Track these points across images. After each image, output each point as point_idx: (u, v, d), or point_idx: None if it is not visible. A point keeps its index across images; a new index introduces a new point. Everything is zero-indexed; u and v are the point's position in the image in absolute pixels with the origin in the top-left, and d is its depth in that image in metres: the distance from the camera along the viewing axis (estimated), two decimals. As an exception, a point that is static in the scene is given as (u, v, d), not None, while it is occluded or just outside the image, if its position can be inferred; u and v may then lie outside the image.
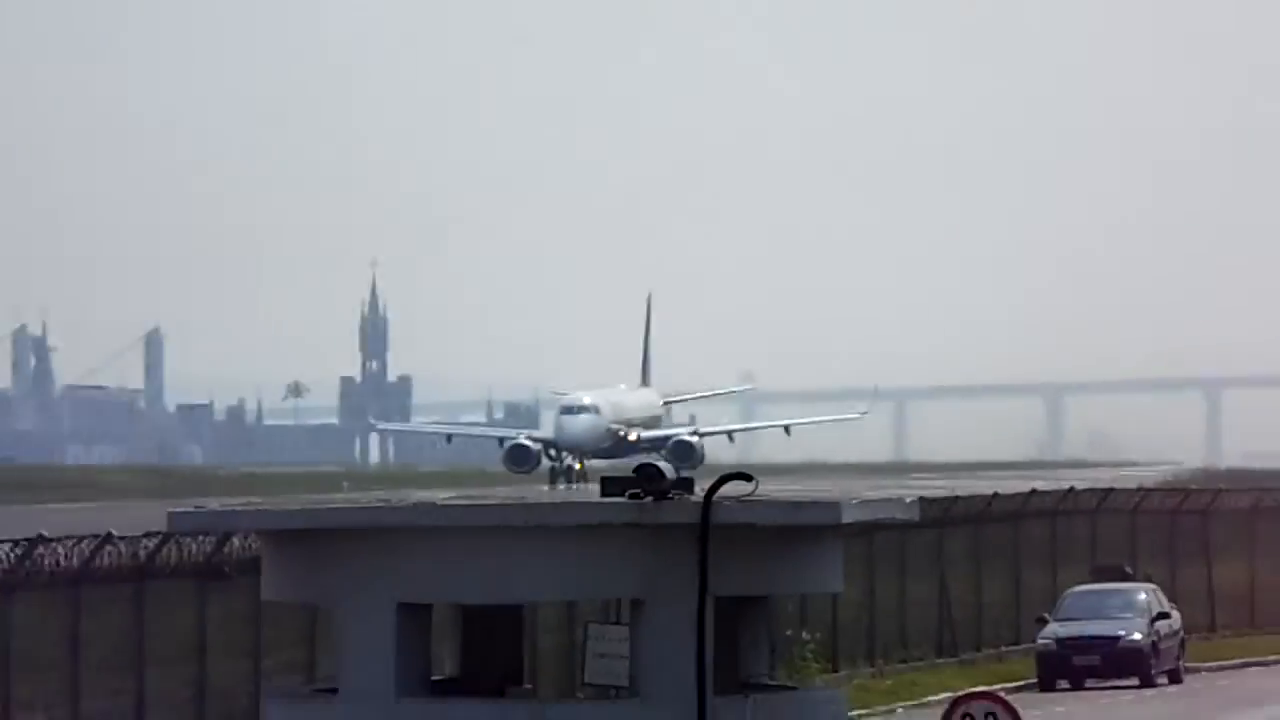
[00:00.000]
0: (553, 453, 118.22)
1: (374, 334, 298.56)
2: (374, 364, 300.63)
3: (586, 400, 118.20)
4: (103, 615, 32.23)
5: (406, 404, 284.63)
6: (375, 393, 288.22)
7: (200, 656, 32.43)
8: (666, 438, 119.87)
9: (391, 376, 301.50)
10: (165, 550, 32.10)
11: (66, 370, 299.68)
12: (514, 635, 8.87)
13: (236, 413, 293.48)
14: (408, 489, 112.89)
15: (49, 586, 31.23)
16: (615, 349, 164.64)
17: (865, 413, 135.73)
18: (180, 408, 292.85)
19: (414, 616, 8.47)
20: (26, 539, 30.34)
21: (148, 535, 32.27)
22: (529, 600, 8.90)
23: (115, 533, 31.61)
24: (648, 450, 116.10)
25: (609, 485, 9.06)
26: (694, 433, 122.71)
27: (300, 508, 9.33)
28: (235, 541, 31.71)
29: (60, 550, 31.39)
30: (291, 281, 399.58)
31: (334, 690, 8.70)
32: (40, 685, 30.36)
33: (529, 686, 9.57)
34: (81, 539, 32.17)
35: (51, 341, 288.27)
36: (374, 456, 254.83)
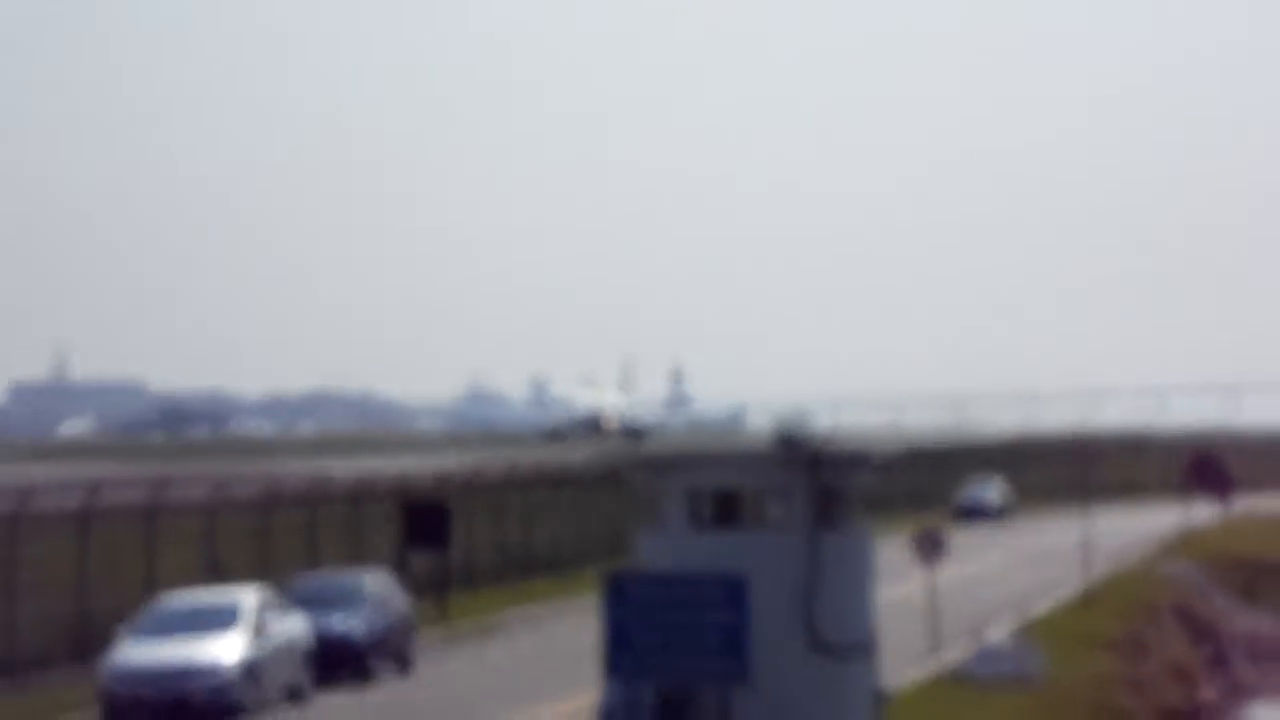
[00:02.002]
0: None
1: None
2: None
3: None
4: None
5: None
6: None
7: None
8: (630, 426, 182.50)
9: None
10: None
11: None
12: (735, 501, 18.95)
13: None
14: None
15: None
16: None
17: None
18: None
19: (694, 495, 18.64)
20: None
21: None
22: (739, 488, 19.10)
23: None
24: (620, 429, 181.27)
25: (777, 441, 18.84)
26: (641, 423, 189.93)
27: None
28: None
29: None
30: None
31: (663, 526, 18.70)
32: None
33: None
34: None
35: None
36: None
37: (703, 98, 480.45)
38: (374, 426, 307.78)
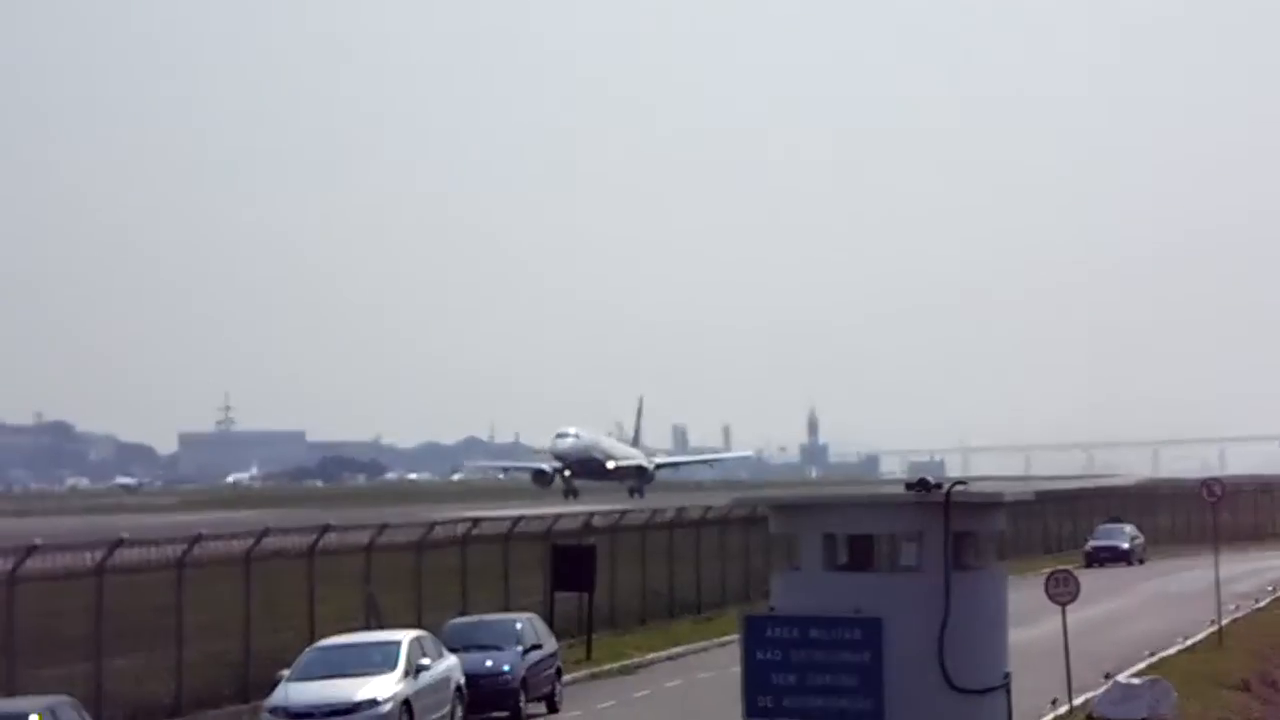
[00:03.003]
0: (566, 475, 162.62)
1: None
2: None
3: (571, 430, 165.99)
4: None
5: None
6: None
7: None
8: (632, 466, 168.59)
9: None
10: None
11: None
12: (869, 544, 18.77)
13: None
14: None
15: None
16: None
17: (759, 453, 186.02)
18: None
19: (829, 539, 18.55)
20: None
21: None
22: (874, 532, 18.92)
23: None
24: (622, 472, 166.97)
25: (909, 486, 18.63)
26: (653, 463, 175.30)
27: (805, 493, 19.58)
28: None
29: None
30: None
31: (798, 568, 18.61)
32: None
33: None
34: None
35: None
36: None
37: (840, 154, 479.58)
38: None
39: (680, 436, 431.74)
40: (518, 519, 52.72)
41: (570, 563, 48.69)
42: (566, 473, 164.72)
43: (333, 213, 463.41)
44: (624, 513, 61.68)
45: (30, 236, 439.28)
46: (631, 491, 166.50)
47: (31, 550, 33.46)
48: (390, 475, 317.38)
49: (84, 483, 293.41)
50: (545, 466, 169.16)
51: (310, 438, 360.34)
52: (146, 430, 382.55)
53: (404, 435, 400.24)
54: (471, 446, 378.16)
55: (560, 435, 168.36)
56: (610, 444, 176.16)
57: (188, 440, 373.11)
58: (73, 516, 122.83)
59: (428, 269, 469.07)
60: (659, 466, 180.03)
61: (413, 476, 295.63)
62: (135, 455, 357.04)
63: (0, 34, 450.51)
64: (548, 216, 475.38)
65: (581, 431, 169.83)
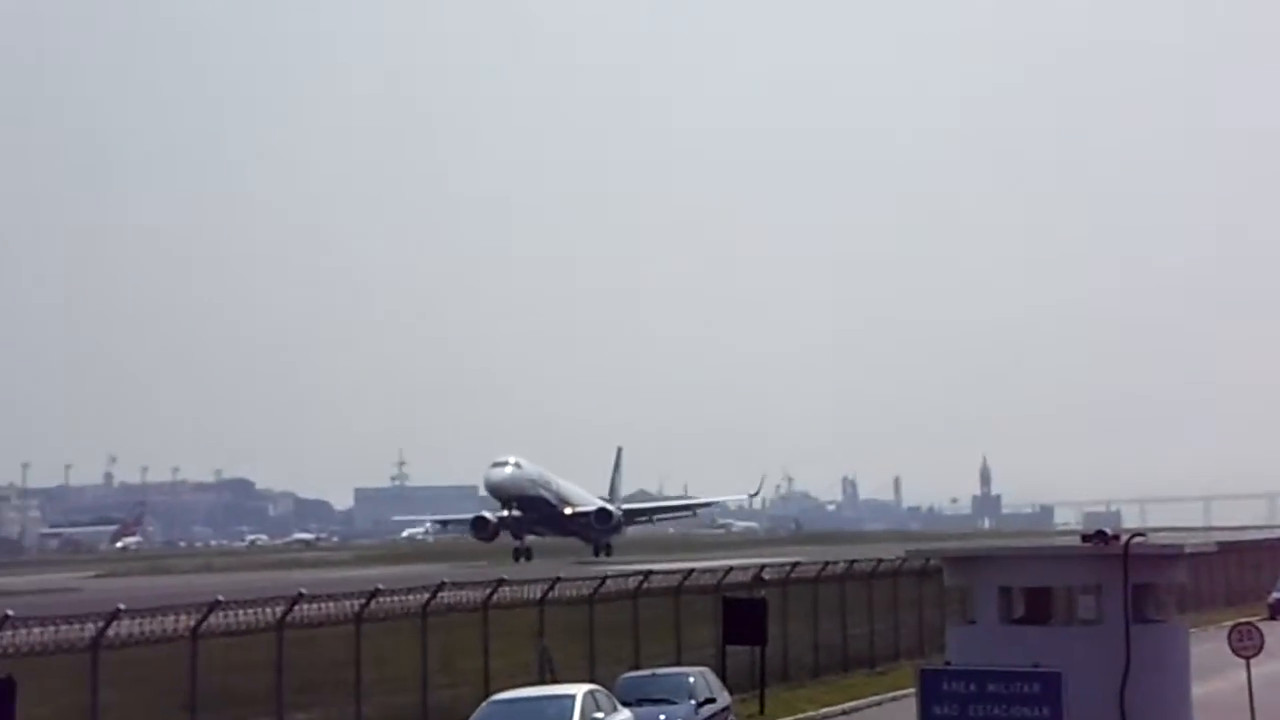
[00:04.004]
0: (511, 519, 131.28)
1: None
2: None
3: (510, 459, 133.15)
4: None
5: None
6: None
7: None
8: (595, 509, 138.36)
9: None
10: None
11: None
12: (1046, 597, 18.49)
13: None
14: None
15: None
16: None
17: (755, 494, 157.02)
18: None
19: (1005, 591, 18.32)
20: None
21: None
22: (1051, 584, 18.63)
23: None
24: (581, 519, 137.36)
25: (1086, 538, 18.38)
26: (619, 509, 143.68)
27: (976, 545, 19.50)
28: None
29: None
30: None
31: (973, 622, 18.40)
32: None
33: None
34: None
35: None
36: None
37: (1011, 206, 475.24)
38: (692, 527, 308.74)
39: (850, 487, 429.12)
40: (689, 572, 52.66)
41: (742, 616, 48.47)
42: (506, 513, 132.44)
43: (497, 281, 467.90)
44: (795, 564, 61.39)
45: (210, 299, 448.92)
46: (597, 549, 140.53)
47: (214, 606, 34.01)
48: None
49: (263, 538, 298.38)
50: (487, 514, 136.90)
51: (483, 492, 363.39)
52: (323, 486, 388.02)
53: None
54: (640, 499, 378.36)
55: (496, 464, 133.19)
56: (565, 485, 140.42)
57: (363, 495, 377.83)
58: (253, 572, 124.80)
59: (585, 331, 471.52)
60: (630, 515, 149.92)
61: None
62: (313, 511, 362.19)
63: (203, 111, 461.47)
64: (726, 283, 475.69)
65: (525, 462, 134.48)
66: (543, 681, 39.76)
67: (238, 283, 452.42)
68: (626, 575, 51.07)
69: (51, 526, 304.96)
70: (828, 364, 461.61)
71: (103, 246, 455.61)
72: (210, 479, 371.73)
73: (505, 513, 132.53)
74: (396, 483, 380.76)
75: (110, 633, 31.41)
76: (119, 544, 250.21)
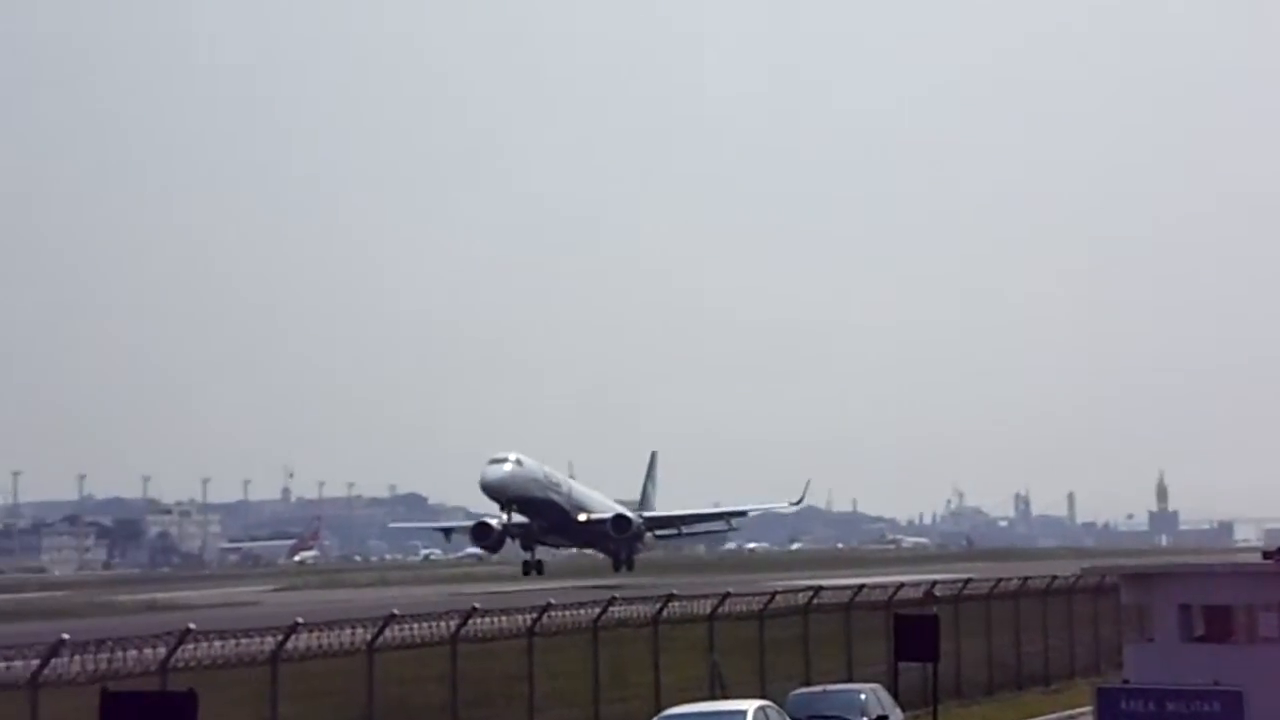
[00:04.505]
0: (512, 525, 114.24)
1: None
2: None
3: (510, 455, 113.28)
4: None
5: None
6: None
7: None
8: (611, 515, 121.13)
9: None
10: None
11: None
12: (1226, 615, 18.17)
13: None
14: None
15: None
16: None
17: (797, 503, 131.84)
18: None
19: (1185, 609, 18.00)
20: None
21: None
22: (1231, 602, 18.27)
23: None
24: (596, 527, 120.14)
25: (1267, 555, 18.05)
26: (640, 516, 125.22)
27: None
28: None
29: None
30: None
31: (1151, 639, 18.13)
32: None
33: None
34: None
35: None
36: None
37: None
38: (861, 543, 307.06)
39: (1023, 504, 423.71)
40: (859, 588, 52.31)
41: (914, 632, 47.95)
42: (508, 516, 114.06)
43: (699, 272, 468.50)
44: (967, 581, 60.75)
45: (387, 316, 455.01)
46: (618, 563, 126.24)
47: (390, 620, 34.36)
48: (729, 545, 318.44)
49: (437, 553, 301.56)
50: (490, 519, 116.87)
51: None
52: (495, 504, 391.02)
53: (741, 504, 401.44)
54: (810, 515, 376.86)
55: (494, 461, 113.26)
56: (578, 488, 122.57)
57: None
58: (427, 586, 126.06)
59: (773, 345, 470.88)
60: (650, 522, 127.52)
61: (751, 546, 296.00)
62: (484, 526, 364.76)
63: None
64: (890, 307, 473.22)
65: (527, 459, 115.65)
66: (713, 697, 39.67)
67: (406, 301, 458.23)
68: (797, 591, 50.86)
69: (231, 541, 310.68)
70: (1000, 380, 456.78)
71: (282, 265, 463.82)
72: (384, 494, 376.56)
73: (508, 519, 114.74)
74: (704, 509, 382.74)
75: (289, 646, 31.86)
76: (296, 558, 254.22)
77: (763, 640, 45.68)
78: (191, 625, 30.61)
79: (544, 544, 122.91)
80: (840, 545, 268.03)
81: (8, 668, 28.03)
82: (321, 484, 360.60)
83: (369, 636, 33.88)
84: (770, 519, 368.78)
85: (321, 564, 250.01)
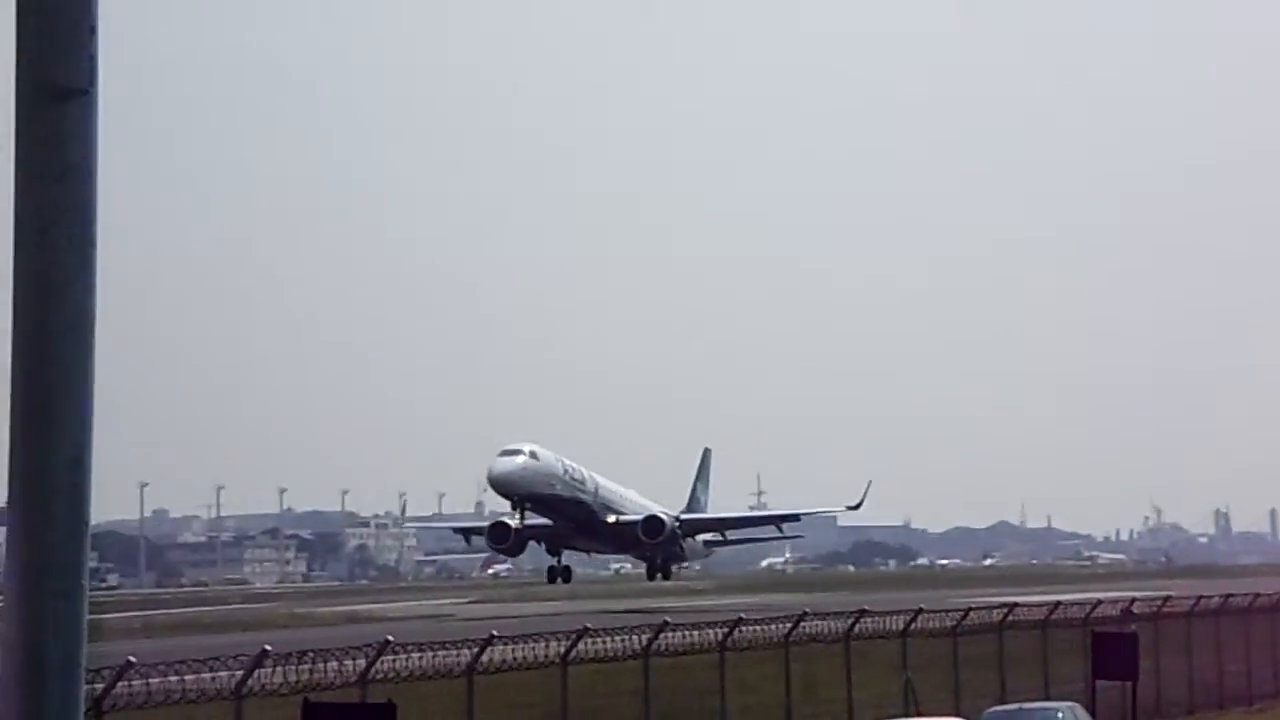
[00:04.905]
0: (524, 522, 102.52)
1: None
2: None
3: (525, 447, 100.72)
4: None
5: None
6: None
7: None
8: (642, 517, 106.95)
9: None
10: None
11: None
12: None
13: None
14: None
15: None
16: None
17: (857, 505, 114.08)
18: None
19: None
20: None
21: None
22: None
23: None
24: (625, 529, 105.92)
25: None
26: (675, 518, 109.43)
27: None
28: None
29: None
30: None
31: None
32: None
33: None
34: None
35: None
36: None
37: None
38: (1056, 559, 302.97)
39: (1223, 520, 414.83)
40: (1055, 605, 51.55)
41: (1112, 650, 47.11)
42: (520, 516, 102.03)
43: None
44: (1166, 598, 59.59)
45: (574, 335, 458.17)
46: (653, 570, 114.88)
47: (583, 633, 34.56)
48: (921, 560, 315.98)
49: (626, 567, 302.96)
50: (508, 519, 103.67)
51: (841, 522, 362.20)
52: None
53: (934, 519, 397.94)
54: (1002, 530, 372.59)
55: (506, 452, 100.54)
56: (608, 485, 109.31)
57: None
58: (616, 600, 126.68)
59: (949, 356, 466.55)
60: (687, 525, 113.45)
61: (944, 562, 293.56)
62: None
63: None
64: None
65: (544, 451, 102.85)
66: (907, 714, 39.33)
67: (614, 318, 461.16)
68: (991, 608, 50.27)
69: (426, 554, 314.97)
70: (1199, 394, 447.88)
71: (471, 281, 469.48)
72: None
73: (520, 519, 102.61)
74: (755, 511, 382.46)
75: (484, 658, 32.18)
76: (490, 571, 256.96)
77: (956, 657, 45.18)
78: (390, 637, 31.04)
79: (571, 548, 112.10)
80: (1034, 562, 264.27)
81: (213, 678, 28.64)
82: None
83: (562, 650, 34.10)
84: (962, 534, 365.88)
85: (515, 577, 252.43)
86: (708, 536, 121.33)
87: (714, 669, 37.78)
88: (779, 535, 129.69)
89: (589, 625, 35.48)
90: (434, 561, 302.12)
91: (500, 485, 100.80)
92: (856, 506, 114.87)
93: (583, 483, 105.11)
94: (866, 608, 44.45)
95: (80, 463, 5.21)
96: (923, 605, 48.01)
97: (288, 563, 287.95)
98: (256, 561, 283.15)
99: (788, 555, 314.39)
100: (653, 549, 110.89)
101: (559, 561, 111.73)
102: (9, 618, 5.23)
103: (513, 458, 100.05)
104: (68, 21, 5.18)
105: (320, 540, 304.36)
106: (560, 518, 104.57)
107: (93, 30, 5.21)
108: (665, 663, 36.51)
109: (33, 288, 5.23)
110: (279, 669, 28.83)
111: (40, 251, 5.23)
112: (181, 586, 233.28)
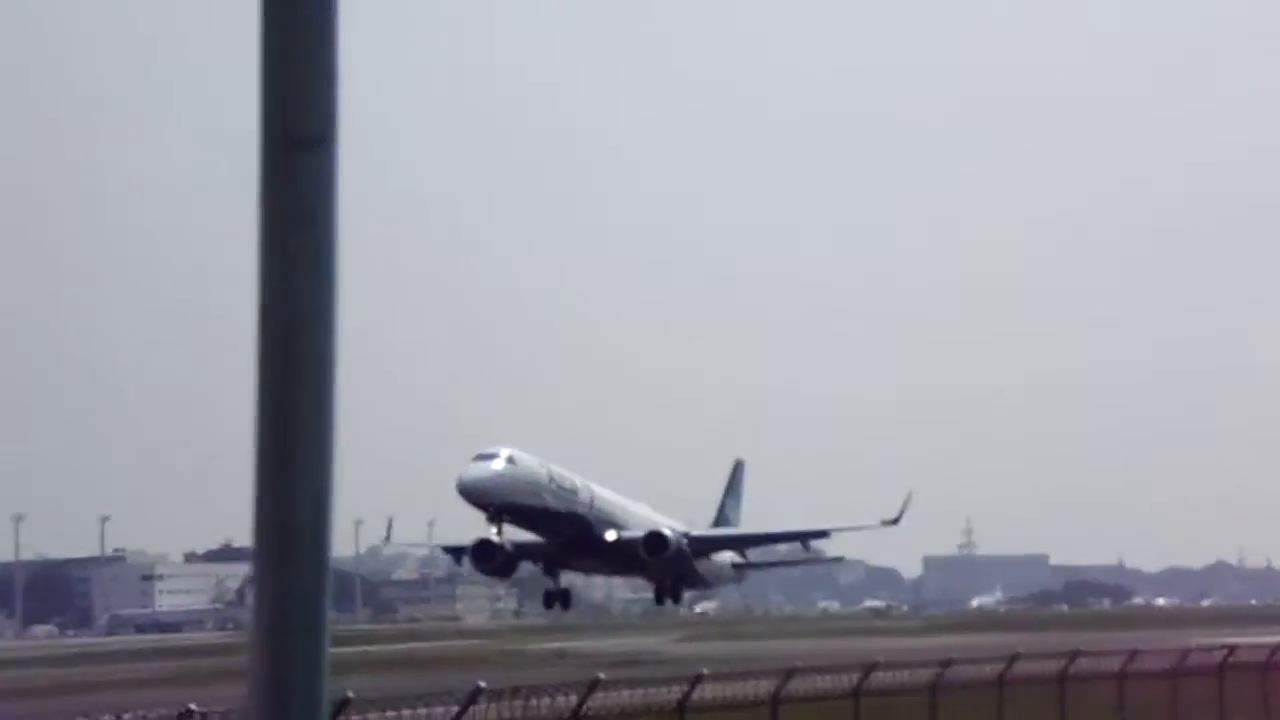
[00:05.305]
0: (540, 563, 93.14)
1: None
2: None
3: (502, 451, 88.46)
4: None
5: None
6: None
7: None
8: (644, 534, 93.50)
9: None
10: None
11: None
12: None
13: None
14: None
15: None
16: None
17: (894, 520, 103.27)
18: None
19: None
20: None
21: None
22: None
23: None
24: (626, 547, 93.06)
25: None
26: (684, 535, 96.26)
27: None
28: None
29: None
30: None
31: None
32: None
33: None
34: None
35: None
36: None
37: None
38: (1278, 599, 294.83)
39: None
40: (1278, 647, 50.17)
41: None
42: (498, 530, 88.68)
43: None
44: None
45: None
46: (661, 593, 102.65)
47: (792, 673, 34.41)
48: (1136, 600, 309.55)
49: (835, 606, 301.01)
50: (494, 537, 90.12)
51: (1053, 561, 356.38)
52: (893, 554, 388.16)
53: (1149, 559, 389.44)
54: (1219, 571, 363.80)
55: (480, 457, 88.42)
56: (607, 496, 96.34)
57: (932, 564, 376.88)
58: (826, 639, 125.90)
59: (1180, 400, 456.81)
60: (698, 543, 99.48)
61: (1160, 601, 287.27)
62: (882, 578, 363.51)
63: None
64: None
65: (525, 456, 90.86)
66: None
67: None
68: (1211, 649, 49.09)
69: (634, 592, 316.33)
70: None
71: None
72: (783, 545, 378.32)
73: (498, 534, 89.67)
74: (964, 551, 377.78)
75: (694, 696, 32.20)
76: (697, 609, 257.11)
77: (1176, 700, 44.17)
78: (601, 675, 31.18)
79: (569, 568, 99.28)
80: (1254, 602, 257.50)
81: (428, 715, 29.01)
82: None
83: (772, 688, 34.00)
84: (1178, 575, 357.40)
85: (722, 615, 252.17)
86: (736, 559, 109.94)
87: (924, 710, 37.39)
88: (821, 559, 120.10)
89: (798, 664, 35.31)
90: (642, 600, 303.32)
91: (471, 493, 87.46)
92: (895, 521, 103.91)
93: (574, 493, 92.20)
94: (1081, 648, 43.66)
95: (322, 501, 5.34)
96: (1138, 647, 47.02)
97: (498, 599, 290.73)
98: (468, 599, 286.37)
99: (998, 594, 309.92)
100: (659, 569, 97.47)
101: (557, 584, 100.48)
102: (255, 653, 5.36)
103: (487, 462, 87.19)
104: (310, 70, 5.32)
105: (530, 577, 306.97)
106: (549, 533, 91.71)
107: (334, 78, 5.36)
108: (875, 703, 36.20)
109: (276, 330, 5.37)
110: (493, 705, 29.10)
111: (283, 295, 5.37)
112: (395, 622, 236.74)
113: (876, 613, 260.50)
